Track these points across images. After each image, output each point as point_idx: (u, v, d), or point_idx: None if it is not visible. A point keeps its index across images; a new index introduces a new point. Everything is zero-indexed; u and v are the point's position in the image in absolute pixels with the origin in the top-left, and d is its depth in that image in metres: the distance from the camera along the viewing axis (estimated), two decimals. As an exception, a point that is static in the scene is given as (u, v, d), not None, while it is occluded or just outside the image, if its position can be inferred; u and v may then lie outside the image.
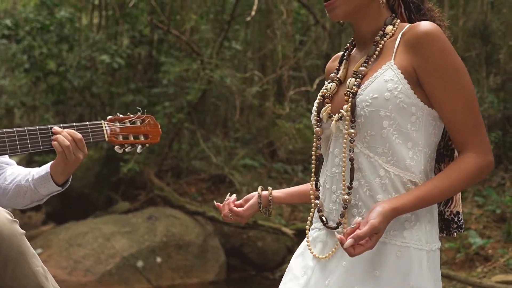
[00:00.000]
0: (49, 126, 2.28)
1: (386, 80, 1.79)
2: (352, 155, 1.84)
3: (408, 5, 1.97)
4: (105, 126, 2.36)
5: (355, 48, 2.04)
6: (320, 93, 2.01)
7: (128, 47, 10.93)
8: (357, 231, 1.68)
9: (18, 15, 10.67)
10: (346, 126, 1.84)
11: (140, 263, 8.02)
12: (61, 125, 2.28)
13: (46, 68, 10.12)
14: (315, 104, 2.01)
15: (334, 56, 2.16)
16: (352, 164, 1.84)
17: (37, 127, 2.28)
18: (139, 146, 2.44)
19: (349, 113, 1.83)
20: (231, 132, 12.08)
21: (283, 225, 8.59)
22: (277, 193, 2.22)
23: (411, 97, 1.79)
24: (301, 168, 10.74)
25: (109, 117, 2.42)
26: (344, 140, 1.85)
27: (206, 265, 8.52)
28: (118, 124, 2.39)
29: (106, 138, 2.35)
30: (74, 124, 2.31)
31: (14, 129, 2.26)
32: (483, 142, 1.82)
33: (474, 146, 1.80)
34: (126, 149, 2.41)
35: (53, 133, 2.26)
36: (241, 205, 2.23)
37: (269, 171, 11.08)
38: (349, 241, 1.67)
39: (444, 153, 1.96)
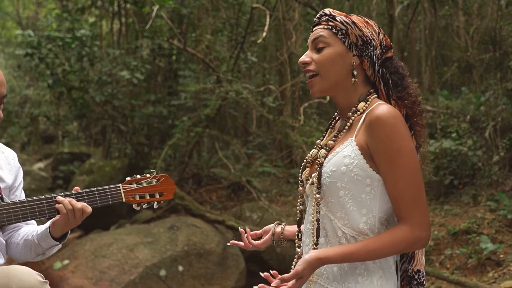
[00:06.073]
0: (52, 195, 2.55)
1: (344, 155, 2.09)
2: (318, 216, 2.14)
3: (387, 82, 2.22)
4: (122, 189, 2.62)
5: (339, 118, 2.34)
6: (306, 157, 2.31)
7: (147, 61, 11.21)
8: (284, 275, 2.01)
9: (40, 32, 11.00)
10: (314, 191, 2.14)
11: (162, 272, 8.26)
12: (84, 190, 2.56)
13: (68, 84, 10.44)
14: (301, 166, 2.32)
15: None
16: (318, 224, 2.14)
17: (52, 195, 2.55)
18: (155, 203, 2.68)
19: (316, 180, 2.13)
20: (250, 139, 12.30)
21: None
22: (287, 231, 2.50)
23: (367, 170, 2.08)
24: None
25: (127, 178, 2.67)
26: (313, 203, 2.15)
27: (227, 272, 8.73)
28: (135, 186, 2.64)
29: (124, 200, 2.61)
30: (95, 188, 2.59)
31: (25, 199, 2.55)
32: (419, 218, 2.05)
33: (409, 220, 2.05)
34: (143, 206, 2.67)
35: (57, 202, 2.52)
36: (261, 235, 2.56)
37: (287, 176, 11.31)
38: (276, 281, 2.01)
39: None
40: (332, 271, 2.12)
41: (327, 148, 2.17)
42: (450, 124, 9.69)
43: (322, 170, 2.12)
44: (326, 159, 2.13)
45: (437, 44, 12.31)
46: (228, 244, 2.59)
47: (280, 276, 2.00)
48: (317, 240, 2.14)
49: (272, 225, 2.54)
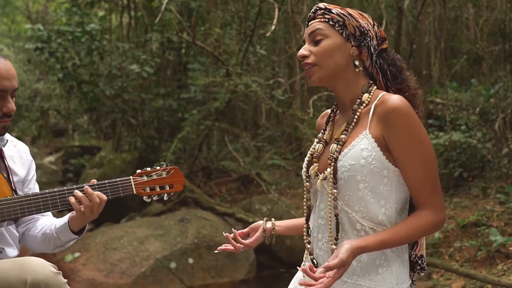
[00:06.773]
0: (65, 188, 2.59)
1: (362, 148, 2.10)
2: (336, 211, 2.15)
3: (385, 73, 2.24)
4: (133, 181, 2.65)
5: (338, 111, 2.34)
6: (309, 152, 2.31)
7: (156, 54, 11.25)
8: (327, 263, 1.97)
9: (50, 26, 11.06)
10: (329, 187, 2.14)
11: (173, 265, 8.31)
12: (95, 183, 2.60)
13: (78, 78, 10.49)
14: (305, 161, 2.32)
15: (324, 113, 2.46)
16: (337, 219, 2.15)
17: (64, 188, 2.59)
18: (165, 195, 2.71)
19: (331, 175, 2.13)
20: (259, 132, 12.32)
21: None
22: (278, 227, 2.53)
23: (383, 162, 2.09)
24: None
25: (138, 171, 2.70)
26: (329, 198, 2.15)
27: (237, 264, 8.76)
28: (145, 178, 2.68)
29: (134, 192, 2.65)
30: (106, 181, 2.62)
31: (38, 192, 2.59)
32: (439, 202, 2.11)
33: (431, 205, 2.10)
34: (153, 198, 2.71)
35: (74, 196, 2.56)
36: (248, 233, 2.56)
37: (297, 169, 11.32)
38: (320, 269, 1.95)
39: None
40: (351, 265, 2.11)
41: (340, 142, 2.16)
42: (460, 117, 9.68)
43: (338, 165, 2.12)
44: (342, 153, 2.13)
45: (446, 36, 12.27)
46: (216, 251, 2.60)
47: (325, 264, 1.97)
48: (337, 235, 2.15)
49: (261, 221, 2.55)
